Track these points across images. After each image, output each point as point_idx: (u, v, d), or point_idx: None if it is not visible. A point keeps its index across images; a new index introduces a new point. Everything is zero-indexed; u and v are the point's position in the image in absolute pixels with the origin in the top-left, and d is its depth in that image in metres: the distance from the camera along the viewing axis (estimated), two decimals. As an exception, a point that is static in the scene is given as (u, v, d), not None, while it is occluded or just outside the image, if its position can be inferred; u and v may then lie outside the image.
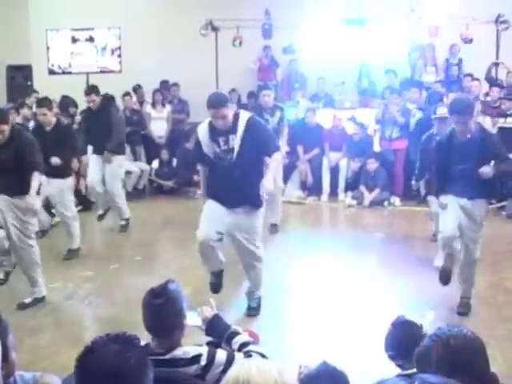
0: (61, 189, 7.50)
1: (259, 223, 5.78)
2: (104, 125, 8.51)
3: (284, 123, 8.74)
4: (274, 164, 5.60)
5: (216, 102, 5.40)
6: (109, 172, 8.66)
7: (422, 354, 2.12)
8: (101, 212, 8.95)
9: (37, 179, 5.96)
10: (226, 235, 5.77)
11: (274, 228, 8.76)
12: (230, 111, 5.47)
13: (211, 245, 5.58)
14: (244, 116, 5.57)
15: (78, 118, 10.48)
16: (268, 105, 8.51)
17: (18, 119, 10.17)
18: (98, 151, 8.69)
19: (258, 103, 8.93)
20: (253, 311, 5.95)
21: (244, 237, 5.68)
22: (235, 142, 5.48)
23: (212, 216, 5.59)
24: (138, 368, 1.96)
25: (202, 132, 5.62)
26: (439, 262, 6.75)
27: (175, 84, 12.54)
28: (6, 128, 5.89)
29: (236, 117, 5.53)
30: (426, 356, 2.10)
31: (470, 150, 5.62)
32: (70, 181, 7.67)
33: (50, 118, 7.39)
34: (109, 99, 8.95)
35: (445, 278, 5.96)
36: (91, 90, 8.75)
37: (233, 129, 5.49)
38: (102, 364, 1.93)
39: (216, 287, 5.89)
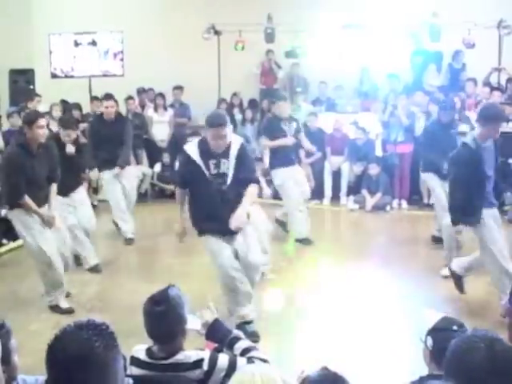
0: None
1: (253, 234, 5.57)
2: (118, 138, 8.40)
3: (301, 134, 8.72)
4: (250, 198, 5.33)
5: (219, 121, 5.19)
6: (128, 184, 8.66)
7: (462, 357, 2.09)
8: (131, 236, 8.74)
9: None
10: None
11: (306, 242, 8.51)
12: (229, 132, 5.30)
13: (236, 273, 5.35)
14: (236, 140, 5.38)
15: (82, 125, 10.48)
16: (285, 115, 8.48)
17: (20, 122, 10.17)
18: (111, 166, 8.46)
19: (274, 116, 8.73)
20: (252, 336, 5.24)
21: (243, 251, 5.44)
22: (228, 166, 5.27)
23: (222, 245, 5.37)
24: (105, 354, 1.95)
25: (193, 153, 5.29)
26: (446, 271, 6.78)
27: (177, 87, 12.55)
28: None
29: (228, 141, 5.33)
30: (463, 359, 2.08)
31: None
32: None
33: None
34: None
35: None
36: (110, 96, 8.63)
37: (225, 153, 5.27)
38: (68, 351, 1.94)
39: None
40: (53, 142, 6.58)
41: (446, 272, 6.70)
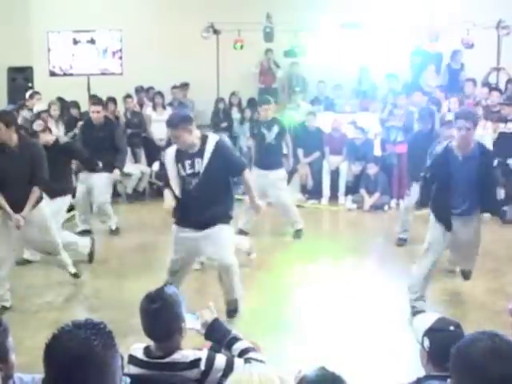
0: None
1: (229, 236, 5.65)
2: (107, 143, 8.52)
3: (286, 136, 8.76)
4: (250, 183, 5.64)
5: (172, 123, 5.37)
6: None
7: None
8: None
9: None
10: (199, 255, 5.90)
11: (298, 233, 8.71)
12: (187, 133, 5.33)
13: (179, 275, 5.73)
14: (212, 139, 5.47)
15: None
16: (266, 119, 8.50)
17: (19, 120, 10.17)
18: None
19: (255, 117, 8.94)
20: (232, 313, 5.72)
21: (215, 251, 5.54)
22: (201, 165, 5.38)
23: (178, 255, 5.65)
24: (103, 353, 1.95)
25: (169, 156, 5.54)
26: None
27: (176, 86, 12.55)
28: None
29: (204, 140, 5.44)
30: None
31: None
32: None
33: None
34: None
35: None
36: (99, 101, 8.70)
37: (199, 152, 5.40)
38: (66, 350, 1.94)
39: None
40: (38, 143, 6.54)
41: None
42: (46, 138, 7.31)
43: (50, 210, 6.59)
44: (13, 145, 5.93)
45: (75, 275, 6.86)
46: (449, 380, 2.09)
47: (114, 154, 8.69)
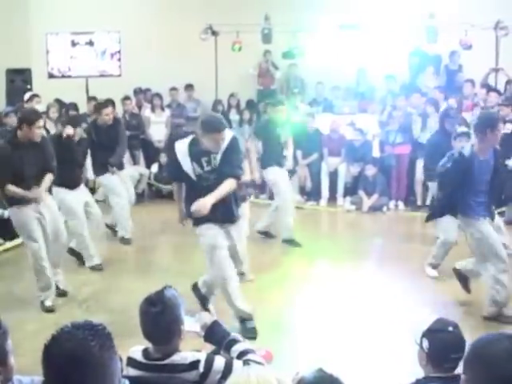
0: None
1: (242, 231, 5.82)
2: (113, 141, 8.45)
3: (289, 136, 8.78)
4: (224, 188, 5.34)
5: (219, 127, 5.29)
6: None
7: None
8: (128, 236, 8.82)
9: None
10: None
11: (289, 243, 8.55)
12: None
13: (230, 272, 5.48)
14: (228, 135, 5.44)
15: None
16: (281, 118, 8.49)
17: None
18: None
19: (268, 119, 8.77)
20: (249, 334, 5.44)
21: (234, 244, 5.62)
22: (217, 161, 5.38)
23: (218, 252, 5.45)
24: (101, 354, 1.96)
25: (182, 152, 5.42)
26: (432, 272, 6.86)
27: (174, 88, 12.56)
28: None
29: None
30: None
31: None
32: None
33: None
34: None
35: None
36: (109, 103, 8.60)
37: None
38: (64, 350, 1.94)
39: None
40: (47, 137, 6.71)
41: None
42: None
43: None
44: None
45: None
46: (463, 376, 2.08)
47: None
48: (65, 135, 7.17)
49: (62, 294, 6.60)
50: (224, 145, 5.36)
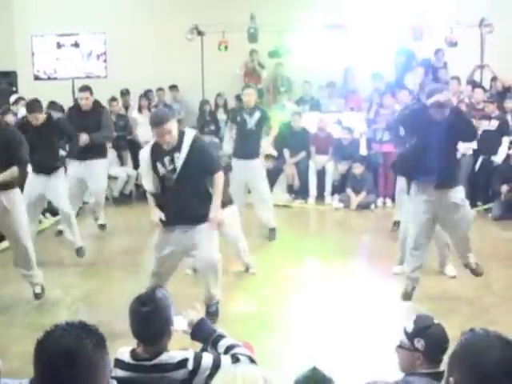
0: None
1: (214, 234, 5.71)
2: (93, 127, 8.37)
3: (267, 126, 8.67)
4: (219, 188, 5.55)
5: (160, 119, 5.37)
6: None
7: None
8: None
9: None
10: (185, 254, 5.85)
11: (272, 233, 8.63)
12: (174, 126, 5.42)
13: (162, 281, 5.69)
14: (189, 134, 5.51)
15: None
16: (249, 104, 8.47)
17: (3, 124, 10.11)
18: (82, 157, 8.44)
19: (240, 105, 8.91)
20: (213, 316, 5.75)
21: (203, 248, 5.60)
22: (180, 159, 5.42)
23: (164, 252, 5.66)
24: (94, 352, 1.97)
25: (144, 158, 5.57)
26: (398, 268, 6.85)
27: (160, 89, 12.54)
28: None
29: (181, 134, 5.49)
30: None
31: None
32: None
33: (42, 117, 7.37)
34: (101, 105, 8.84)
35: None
36: (86, 88, 8.57)
37: (177, 147, 5.45)
38: (56, 346, 1.95)
39: None
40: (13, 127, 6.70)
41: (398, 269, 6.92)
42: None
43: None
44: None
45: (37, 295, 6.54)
46: (451, 379, 2.06)
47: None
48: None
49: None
50: (186, 143, 5.42)
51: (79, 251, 7.76)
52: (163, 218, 5.54)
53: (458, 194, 5.90)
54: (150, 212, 5.70)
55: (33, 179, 7.47)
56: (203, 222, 5.54)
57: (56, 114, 8.21)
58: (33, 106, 7.38)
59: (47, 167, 7.43)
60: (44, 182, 7.45)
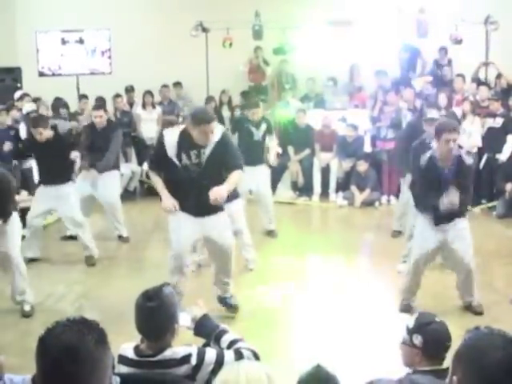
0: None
1: (227, 220, 5.86)
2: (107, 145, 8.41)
3: (272, 134, 8.74)
4: (234, 179, 5.57)
5: (208, 118, 5.40)
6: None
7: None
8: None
9: None
10: (199, 240, 5.96)
11: (272, 234, 8.73)
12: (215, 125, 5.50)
13: (183, 260, 5.71)
14: (217, 131, 5.54)
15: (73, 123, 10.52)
16: (255, 119, 8.48)
17: (8, 121, 10.17)
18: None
19: (244, 116, 8.84)
20: (233, 309, 5.98)
21: (218, 234, 5.71)
22: (205, 155, 5.47)
23: (181, 232, 5.66)
24: (96, 348, 1.96)
25: (171, 143, 5.50)
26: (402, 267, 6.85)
27: (165, 86, 12.54)
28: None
29: None
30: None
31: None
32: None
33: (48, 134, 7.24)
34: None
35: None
36: (100, 106, 8.57)
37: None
38: (58, 342, 1.94)
39: None
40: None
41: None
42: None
43: None
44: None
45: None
46: (454, 377, 2.05)
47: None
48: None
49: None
50: (214, 139, 5.44)
51: (89, 259, 7.69)
52: (177, 208, 5.59)
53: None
54: (161, 196, 5.69)
55: (42, 190, 7.47)
56: (219, 212, 5.66)
57: (62, 125, 8.14)
58: (37, 120, 7.36)
59: (57, 178, 7.43)
60: (54, 192, 7.42)
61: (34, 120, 7.43)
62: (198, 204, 5.51)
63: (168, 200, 5.61)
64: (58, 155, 7.23)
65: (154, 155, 5.92)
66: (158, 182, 5.76)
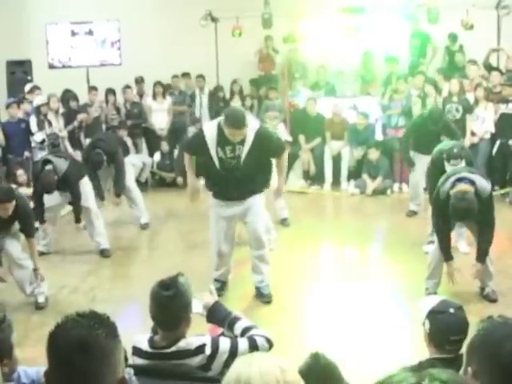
0: None
1: (260, 203, 6.08)
2: None
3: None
4: (283, 167, 6.12)
5: (238, 124, 5.59)
6: None
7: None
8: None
9: None
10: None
11: (284, 222, 8.71)
12: (247, 129, 5.65)
13: (228, 254, 6.11)
14: (252, 128, 5.72)
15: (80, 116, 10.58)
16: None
17: (20, 114, 10.20)
18: None
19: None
20: (267, 298, 6.13)
21: (251, 219, 5.97)
22: (242, 150, 5.69)
23: (219, 228, 5.99)
24: (107, 342, 1.95)
25: (210, 135, 5.75)
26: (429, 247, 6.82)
27: (176, 76, 12.51)
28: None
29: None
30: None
31: None
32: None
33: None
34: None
35: None
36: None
37: (241, 141, 5.69)
38: (69, 337, 1.93)
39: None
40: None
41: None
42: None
43: None
44: None
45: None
46: (469, 369, 2.03)
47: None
48: None
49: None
50: (250, 138, 5.67)
51: (104, 252, 7.69)
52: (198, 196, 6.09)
53: None
54: (189, 179, 6.17)
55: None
56: (254, 195, 5.92)
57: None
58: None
59: None
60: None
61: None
62: (234, 192, 5.83)
63: (191, 188, 6.16)
64: None
65: (191, 142, 6.28)
66: (189, 166, 6.10)
